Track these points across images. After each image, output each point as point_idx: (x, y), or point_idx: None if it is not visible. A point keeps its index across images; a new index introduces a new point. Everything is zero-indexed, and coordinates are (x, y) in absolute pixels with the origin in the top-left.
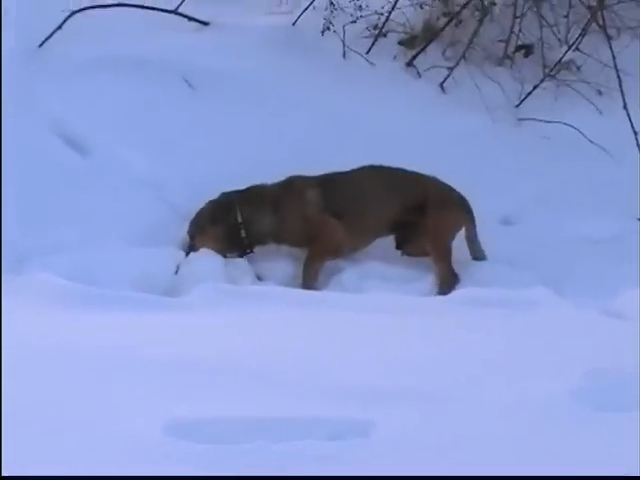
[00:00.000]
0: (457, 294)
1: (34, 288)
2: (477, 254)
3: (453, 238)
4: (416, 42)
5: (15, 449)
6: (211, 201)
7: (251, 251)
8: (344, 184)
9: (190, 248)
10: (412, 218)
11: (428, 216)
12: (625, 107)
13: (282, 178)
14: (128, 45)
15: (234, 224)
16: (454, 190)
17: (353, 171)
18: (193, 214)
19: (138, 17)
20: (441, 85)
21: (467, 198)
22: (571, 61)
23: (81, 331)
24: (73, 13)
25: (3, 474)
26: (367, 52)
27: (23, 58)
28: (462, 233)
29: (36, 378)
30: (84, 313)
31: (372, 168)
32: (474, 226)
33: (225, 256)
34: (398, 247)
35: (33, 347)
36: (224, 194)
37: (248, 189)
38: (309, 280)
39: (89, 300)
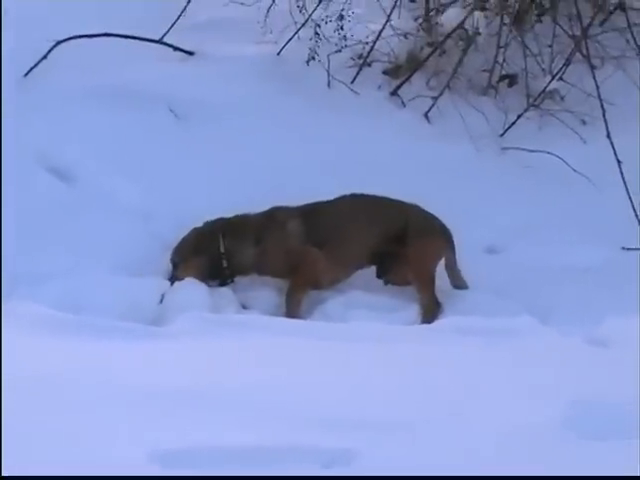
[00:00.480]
0: (441, 323)
1: (20, 317)
2: (458, 283)
3: (435, 267)
4: (400, 72)
5: None
6: (195, 229)
7: (232, 281)
8: (326, 215)
9: (173, 276)
10: (393, 247)
11: (409, 245)
12: (609, 136)
13: (268, 207)
14: (113, 75)
15: (216, 254)
16: (435, 218)
17: (335, 201)
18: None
19: (123, 47)
20: (425, 114)
21: (451, 227)
22: (555, 90)
23: (67, 360)
24: (58, 43)
25: (3, 474)
26: (352, 82)
27: (8, 87)
28: (442, 262)
29: (20, 407)
30: (70, 342)
31: (353, 197)
32: (454, 255)
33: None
34: (379, 276)
35: (18, 376)
36: (207, 223)
37: (231, 219)
38: (292, 310)
39: (75, 329)
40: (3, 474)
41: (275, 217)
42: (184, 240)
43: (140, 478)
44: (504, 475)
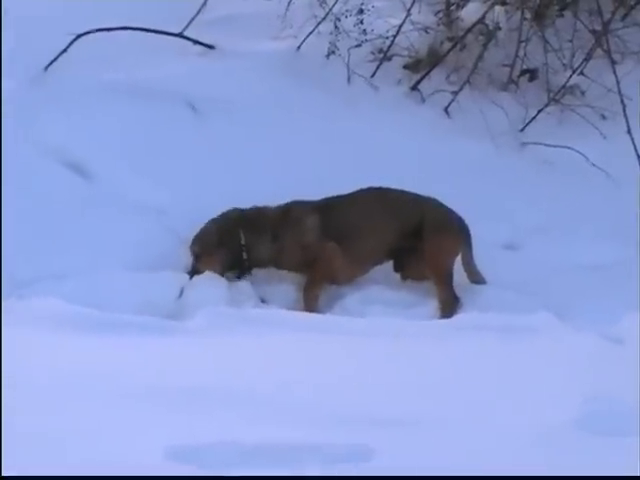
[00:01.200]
0: (459, 319)
1: (38, 313)
2: (475, 278)
3: (453, 261)
4: (420, 66)
5: (17, 473)
6: (215, 221)
7: (250, 273)
8: (343, 210)
9: (194, 268)
10: (410, 242)
11: (425, 240)
12: (629, 132)
13: (285, 201)
14: (132, 69)
15: (238, 247)
16: (452, 213)
17: (352, 195)
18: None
19: (143, 41)
20: (445, 109)
21: (469, 222)
22: (575, 86)
23: (85, 356)
24: (78, 36)
25: (3, 474)
26: (372, 76)
27: (28, 81)
28: (459, 257)
29: (38, 404)
30: (88, 337)
31: (370, 191)
32: (470, 250)
33: (223, 276)
34: (396, 270)
35: (36, 372)
36: (224, 214)
37: (250, 210)
38: (309, 305)
39: (93, 325)
40: (3, 474)
41: (293, 212)
42: (205, 232)
43: (141, 478)
44: (517, 475)
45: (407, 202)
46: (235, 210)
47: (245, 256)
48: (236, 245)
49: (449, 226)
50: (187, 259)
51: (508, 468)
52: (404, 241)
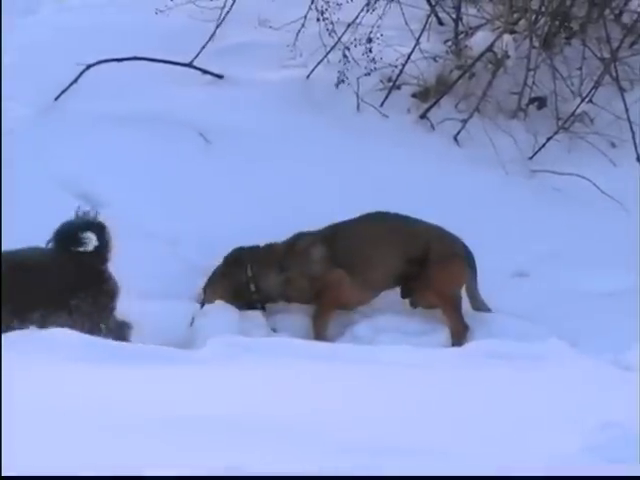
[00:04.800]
0: (470, 347)
1: (49, 341)
2: (478, 305)
3: (459, 289)
4: (430, 95)
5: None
6: (225, 257)
7: (263, 308)
8: (348, 238)
9: (202, 302)
10: (415, 269)
11: (431, 268)
12: (638, 159)
13: (297, 231)
14: (142, 99)
15: (243, 279)
16: (457, 241)
17: (356, 222)
18: (208, 269)
19: (152, 71)
20: (455, 138)
21: (479, 250)
22: (584, 113)
23: (95, 385)
24: (89, 67)
25: (3, 474)
26: (381, 105)
27: (39, 111)
28: None
29: (49, 435)
30: (98, 366)
31: (375, 218)
32: (475, 278)
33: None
34: (403, 296)
35: (48, 402)
36: (236, 250)
37: (259, 246)
38: (319, 333)
39: (104, 353)
40: (3, 474)
41: (298, 245)
42: (215, 269)
43: (143, 478)
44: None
45: (412, 230)
46: (244, 247)
47: (253, 288)
48: (241, 277)
49: (455, 253)
50: (198, 287)
51: None
52: (410, 268)
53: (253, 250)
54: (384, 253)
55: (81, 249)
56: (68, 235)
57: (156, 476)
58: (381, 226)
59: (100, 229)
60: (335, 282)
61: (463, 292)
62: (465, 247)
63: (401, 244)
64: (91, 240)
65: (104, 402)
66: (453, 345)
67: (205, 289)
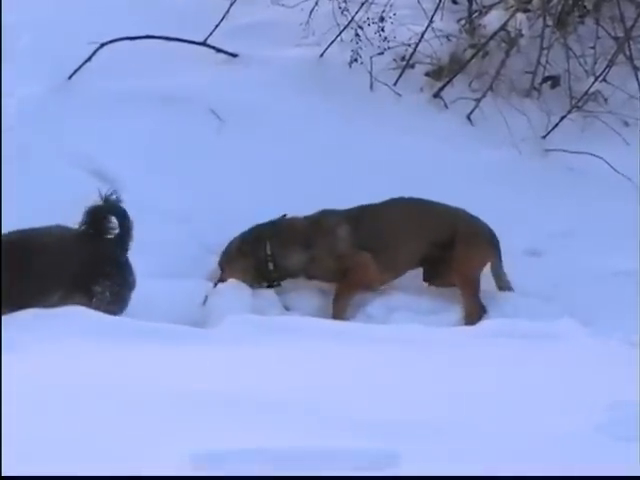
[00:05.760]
0: (484, 325)
1: (64, 321)
2: (503, 285)
3: (481, 271)
4: (443, 74)
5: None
6: (241, 234)
7: (278, 284)
8: (374, 220)
9: (219, 279)
10: (440, 252)
11: (456, 250)
12: None
13: (311, 211)
14: (155, 77)
15: (262, 257)
16: (482, 223)
17: (383, 204)
18: (223, 246)
19: (166, 49)
20: (468, 117)
21: (494, 229)
22: (598, 92)
23: (111, 363)
24: (102, 45)
25: (3, 474)
26: (394, 84)
27: (52, 90)
28: (487, 265)
29: (65, 411)
30: (114, 344)
31: (401, 201)
32: (500, 259)
33: (252, 287)
34: (426, 280)
35: (62, 380)
36: (256, 227)
37: (279, 222)
38: (339, 314)
39: (119, 331)
40: (3, 474)
41: (324, 222)
42: (231, 243)
43: (147, 478)
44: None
45: (438, 213)
46: (264, 223)
47: (272, 267)
48: (260, 255)
49: (480, 237)
50: (211, 266)
51: (532, 474)
52: (435, 250)
53: (272, 226)
54: (411, 237)
55: (108, 236)
56: (98, 219)
57: (156, 476)
58: (408, 210)
59: (123, 216)
60: (362, 263)
61: (488, 272)
62: (490, 230)
63: (427, 227)
64: (116, 226)
65: (120, 379)
66: (466, 325)
67: (222, 266)
